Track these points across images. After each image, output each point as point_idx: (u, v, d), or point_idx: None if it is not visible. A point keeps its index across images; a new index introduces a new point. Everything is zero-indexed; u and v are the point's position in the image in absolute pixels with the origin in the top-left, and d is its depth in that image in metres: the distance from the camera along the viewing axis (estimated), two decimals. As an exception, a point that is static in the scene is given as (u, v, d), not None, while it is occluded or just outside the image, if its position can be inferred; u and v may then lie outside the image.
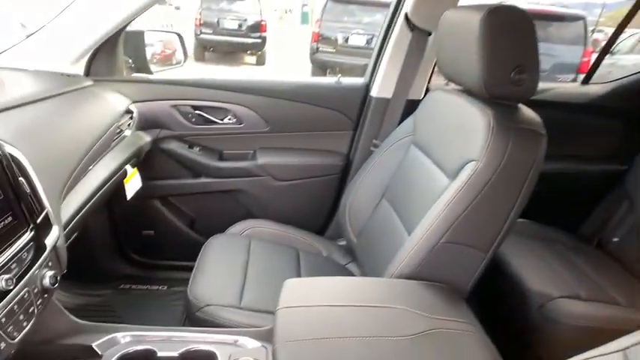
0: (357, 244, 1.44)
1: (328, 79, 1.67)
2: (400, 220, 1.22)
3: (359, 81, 1.68)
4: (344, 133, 1.70)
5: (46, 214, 0.86)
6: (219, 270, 1.30)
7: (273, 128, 1.67)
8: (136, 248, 1.81)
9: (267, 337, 0.98)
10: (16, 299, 0.76)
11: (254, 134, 1.67)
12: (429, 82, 1.67)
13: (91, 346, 0.96)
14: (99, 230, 1.69)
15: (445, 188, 1.01)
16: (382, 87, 1.59)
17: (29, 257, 0.80)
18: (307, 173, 1.73)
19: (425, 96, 1.43)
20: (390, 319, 0.87)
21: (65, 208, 1.01)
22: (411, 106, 1.46)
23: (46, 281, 0.84)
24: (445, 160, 1.10)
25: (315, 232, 1.67)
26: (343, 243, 1.66)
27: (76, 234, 1.20)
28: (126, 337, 0.99)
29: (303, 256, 1.46)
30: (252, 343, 0.99)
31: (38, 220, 0.84)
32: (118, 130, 1.39)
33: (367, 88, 1.64)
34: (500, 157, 0.95)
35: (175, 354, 0.94)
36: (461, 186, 0.96)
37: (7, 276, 0.73)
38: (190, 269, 1.30)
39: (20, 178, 0.82)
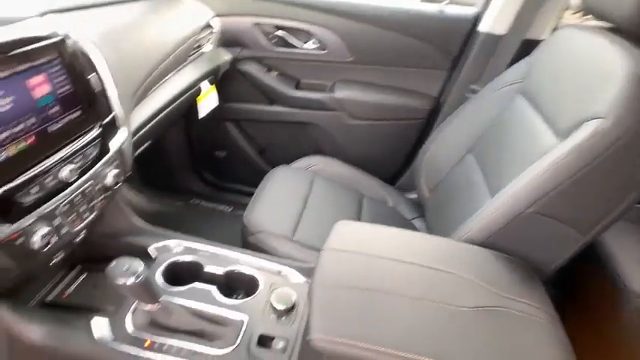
0: (428, 199, 1.29)
1: (431, 7, 1.42)
2: (485, 179, 1.04)
3: (467, 12, 1.41)
4: (437, 72, 1.48)
5: (115, 115, 0.86)
6: (277, 200, 1.27)
7: (357, 59, 1.51)
8: (208, 167, 1.86)
9: (311, 274, 0.93)
10: (79, 191, 0.78)
11: (336, 64, 1.53)
12: (557, 20, 1.35)
13: (147, 248, 0.99)
14: (176, 145, 1.75)
15: (551, 148, 0.81)
16: (495, 20, 1.31)
17: (94, 154, 0.81)
18: (388, 114, 1.57)
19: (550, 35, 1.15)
20: (450, 285, 0.74)
21: (136, 114, 1.02)
22: (527, 48, 1.18)
23: (109, 180, 0.85)
24: (559, 114, 0.87)
25: (384, 180, 1.55)
26: (413, 196, 1.52)
27: (148, 143, 1.23)
28: (179, 247, 1.00)
29: (367, 202, 1.36)
30: (296, 277, 0.95)
31: (106, 120, 0.84)
32: (197, 45, 1.35)
33: (476, 20, 1.38)
34: (636, 118, 0.72)
35: (220, 272, 0.93)
36: (573, 147, 0.75)
37: (71, 166, 0.74)
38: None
39: (93, 75, 0.81)
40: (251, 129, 1.72)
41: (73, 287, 0.94)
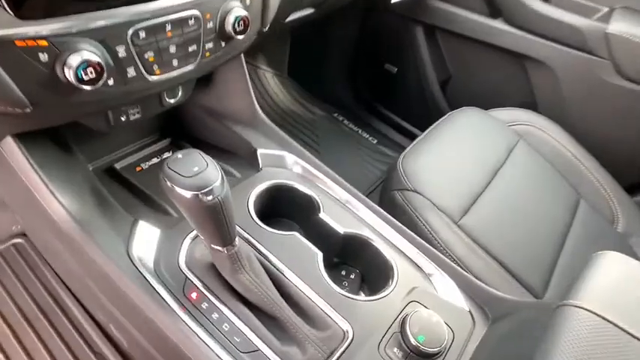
0: None
1: None
2: None
3: None
4: None
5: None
6: (453, 157, 0.83)
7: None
8: (368, 81, 1.45)
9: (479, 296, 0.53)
10: (179, 16, 0.48)
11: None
12: None
13: (256, 151, 0.67)
14: (340, 41, 1.38)
15: None
16: None
17: None
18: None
19: None
20: None
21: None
22: None
23: (230, 20, 0.51)
24: None
25: (621, 181, 0.96)
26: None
27: (309, 12, 0.86)
28: (296, 166, 0.67)
29: (584, 211, 0.85)
30: (448, 290, 0.55)
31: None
32: None
33: None
34: None
35: (339, 230, 0.57)
36: None
37: None
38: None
39: None
40: (447, 44, 1.23)
41: (150, 163, 0.69)
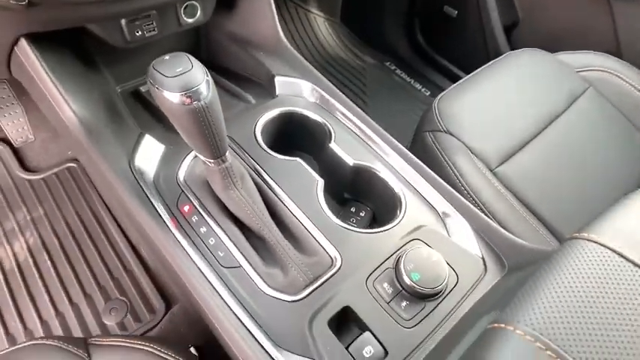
0: None
1: None
2: None
3: None
4: None
5: None
6: (502, 100, 0.74)
7: None
8: (425, 28, 1.33)
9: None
10: None
11: None
12: None
13: (274, 77, 0.64)
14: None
15: None
16: None
17: None
18: None
19: None
20: None
21: None
22: None
23: None
24: None
25: None
26: None
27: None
28: (314, 94, 0.63)
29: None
30: (462, 231, 0.49)
31: None
32: None
33: None
34: None
35: (349, 161, 0.54)
36: None
37: None
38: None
39: None
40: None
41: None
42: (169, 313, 0.76)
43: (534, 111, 0.72)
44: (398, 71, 1.35)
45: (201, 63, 0.36)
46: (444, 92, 0.74)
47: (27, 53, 0.49)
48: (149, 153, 0.52)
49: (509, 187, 0.62)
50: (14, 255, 0.83)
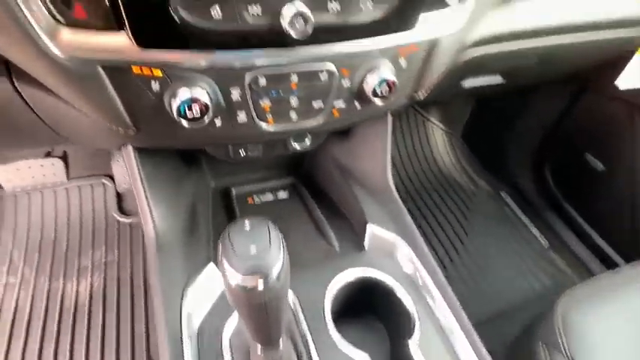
0: None
1: None
2: None
3: None
4: None
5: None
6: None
7: None
8: (558, 175, 1.16)
9: None
10: (314, 69, 0.41)
11: None
12: None
13: (366, 223, 0.56)
14: (532, 120, 1.14)
15: None
16: None
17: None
18: None
19: None
20: None
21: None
22: None
23: (375, 79, 0.43)
24: None
25: None
26: None
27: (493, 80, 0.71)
28: (408, 257, 0.53)
29: None
30: None
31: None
32: None
33: None
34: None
35: (418, 354, 0.43)
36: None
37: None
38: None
39: None
40: None
41: (263, 199, 0.66)
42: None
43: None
44: (513, 206, 1.19)
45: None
46: (575, 288, 0.58)
47: (130, 156, 0.49)
48: (206, 285, 0.48)
49: None
50: (76, 294, 0.85)
